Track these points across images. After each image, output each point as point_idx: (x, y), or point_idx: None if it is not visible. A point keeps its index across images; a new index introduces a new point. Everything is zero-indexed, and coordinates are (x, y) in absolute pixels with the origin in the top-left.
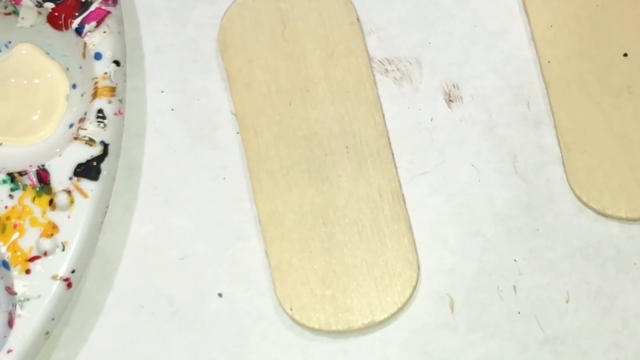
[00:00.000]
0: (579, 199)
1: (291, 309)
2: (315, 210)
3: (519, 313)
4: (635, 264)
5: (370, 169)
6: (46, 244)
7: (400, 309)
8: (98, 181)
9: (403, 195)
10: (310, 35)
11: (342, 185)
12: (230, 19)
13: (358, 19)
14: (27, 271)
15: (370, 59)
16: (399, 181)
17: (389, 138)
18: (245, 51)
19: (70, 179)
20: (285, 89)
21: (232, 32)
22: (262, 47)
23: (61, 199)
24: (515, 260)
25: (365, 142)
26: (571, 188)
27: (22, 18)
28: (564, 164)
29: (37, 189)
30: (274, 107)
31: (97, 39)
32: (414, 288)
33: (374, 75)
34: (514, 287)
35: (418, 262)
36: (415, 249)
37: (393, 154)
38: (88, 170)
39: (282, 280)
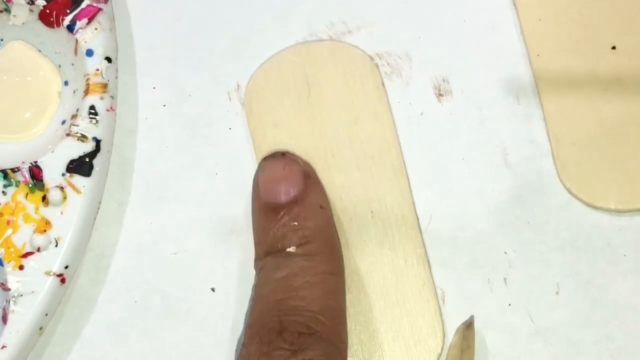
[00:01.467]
0: (569, 191)
1: None
2: None
3: (509, 305)
4: (624, 255)
5: (395, 235)
6: (39, 240)
7: None
8: (90, 177)
9: (429, 260)
10: (336, 99)
11: (366, 250)
12: (255, 83)
13: (383, 84)
14: (21, 267)
15: (395, 125)
16: (424, 246)
17: (414, 204)
18: (271, 115)
19: (63, 175)
20: (310, 154)
21: (257, 97)
22: (287, 111)
23: (54, 195)
24: (505, 253)
25: (390, 208)
26: (561, 180)
27: (14, 16)
28: (553, 156)
29: (30, 185)
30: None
31: (89, 35)
32: (439, 355)
33: (399, 141)
34: (505, 279)
35: (444, 329)
36: (441, 316)
37: (418, 219)
38: (80, 166)
39: None
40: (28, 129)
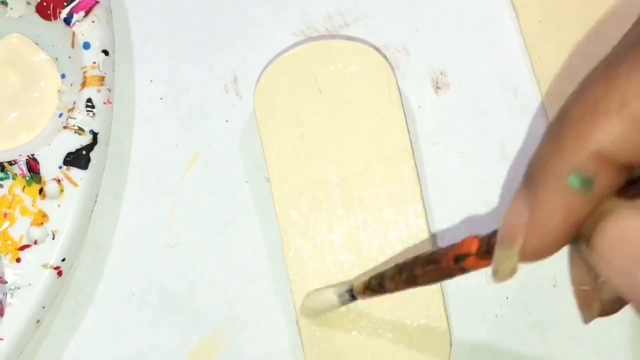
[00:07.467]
0: None
1: None
2: (350, 275)
3: (507, 298)
4: None
5: (403, 229)
6: (36, 232)
7: None
8: (87, 170)
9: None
10: (347, 97)
11: (373, 249)
12: (265, 83)
13: (397, 83)
14: (18, 260)
15: (407, 127)
16: (430, 233)
17: (422, 198)
18: (282, 115)
19: (60, 167)
20: (322, 153)
21: (267, 97)
22: (297, 111)
23: (51, 187)
24: None
25: (402, 202)
26: None
27: (11, 8)
28: None
29: (27, 178)
30: (309, 170)
31: (86, 28)
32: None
33: (410, 137)
34: None
35: (450, 331)
36: (447, 317)
37: (426, 213)
38: (78, 159)
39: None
40: (27, 131)
